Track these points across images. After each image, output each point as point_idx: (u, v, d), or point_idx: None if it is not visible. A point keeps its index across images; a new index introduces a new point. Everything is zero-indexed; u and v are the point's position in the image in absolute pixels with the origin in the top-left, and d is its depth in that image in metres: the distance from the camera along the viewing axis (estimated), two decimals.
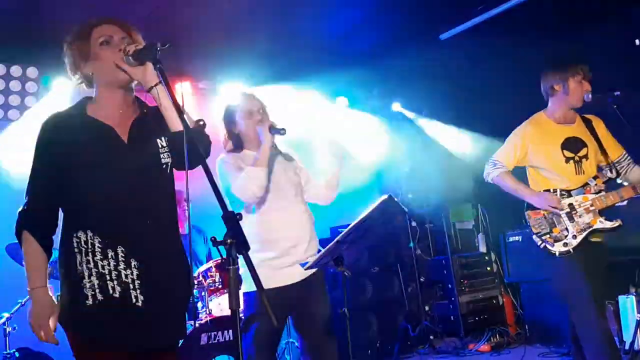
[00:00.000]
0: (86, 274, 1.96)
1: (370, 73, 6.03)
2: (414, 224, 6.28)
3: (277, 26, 4.75)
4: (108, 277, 1.96)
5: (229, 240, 1.65)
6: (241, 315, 3.75)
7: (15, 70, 4.54)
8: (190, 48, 4.79)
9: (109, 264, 1.96)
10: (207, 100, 5.67)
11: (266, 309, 1.56)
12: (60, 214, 2.08)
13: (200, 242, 5.05)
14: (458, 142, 6.47)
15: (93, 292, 1.95)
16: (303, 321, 2.97)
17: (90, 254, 1.97)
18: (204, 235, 5.07)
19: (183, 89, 5.06)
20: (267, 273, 2.69)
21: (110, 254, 1.97)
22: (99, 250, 1.97)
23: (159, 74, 1.93)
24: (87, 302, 1.94)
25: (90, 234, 1.98)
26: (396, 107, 6.76)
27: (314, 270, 2.90)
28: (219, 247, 1.65)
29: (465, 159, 6.14)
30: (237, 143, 3.01)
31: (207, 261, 4.90)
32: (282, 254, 2.88)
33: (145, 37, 2.12)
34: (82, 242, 1.97)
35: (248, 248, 1.63)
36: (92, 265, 1.96)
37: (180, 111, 1.89)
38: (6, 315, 3.81)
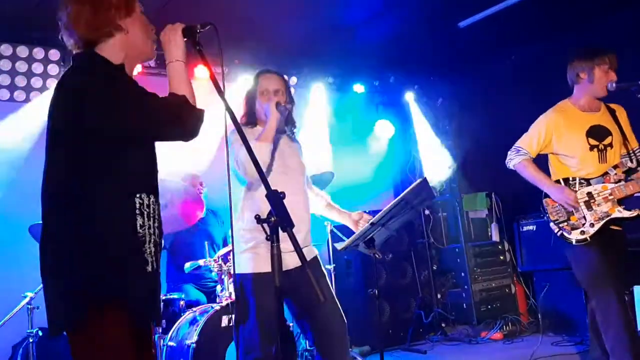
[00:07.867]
0: (147, 239, 1.84)
1: (387, 60, 6.03)
2: (427, 212, 6.31)
3: (294, 13, 4.74)
4: (160, 249, 1.89)
5: (272, 218, 1.68)
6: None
7: (38, 52, 4.56)
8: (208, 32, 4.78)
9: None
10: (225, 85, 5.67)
11: (312, 284, 1.59)
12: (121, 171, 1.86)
13: (216, 224, 5.07)
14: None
15: (152, 259, 1.84)
16: (301, 305, 2.86)
17: (151, 219, 1.86)
18: (221, 219, 5.10)
19: (200, 73, 5.03)
20: (265, 255, 2.53)
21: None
22: (158, 217, 1.90)
23: (199, 55, 1.97)
24: (147, 267, 1.81)
25: (152, 198, 1.89)
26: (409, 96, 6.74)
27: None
28: (263, 224, 1.67)
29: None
30: (251, 119, 3.05)
31: (224, 244, 4.94)
32: (283, 239, 2.79)
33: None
34: (145, 205, 1.85)
35: (292, 225, 1.65)
36: (152, 231, 1.86)
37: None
38: (30, 294, 3.84)
